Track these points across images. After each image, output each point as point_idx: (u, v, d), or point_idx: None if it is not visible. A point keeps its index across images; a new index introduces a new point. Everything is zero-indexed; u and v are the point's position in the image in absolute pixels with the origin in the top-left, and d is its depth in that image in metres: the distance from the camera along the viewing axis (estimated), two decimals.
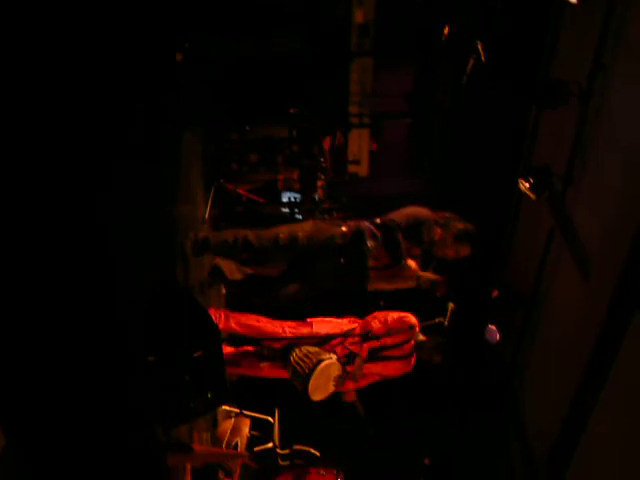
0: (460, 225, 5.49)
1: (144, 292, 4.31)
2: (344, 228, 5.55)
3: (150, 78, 5.04)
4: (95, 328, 3.48)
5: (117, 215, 4.05)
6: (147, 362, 3.89)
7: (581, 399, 5.40)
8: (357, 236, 5.48)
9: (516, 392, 7.29)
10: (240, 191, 7.31)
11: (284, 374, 5.45)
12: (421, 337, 5.55)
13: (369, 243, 5.46)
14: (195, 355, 4.04)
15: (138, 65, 4.74)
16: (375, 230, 5.49)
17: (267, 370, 5.73)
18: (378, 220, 5.55)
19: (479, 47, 6.32)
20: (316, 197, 7.72)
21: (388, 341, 5.58)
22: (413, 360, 5.68)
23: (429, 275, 5.60)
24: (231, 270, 6.05)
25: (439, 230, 5.49)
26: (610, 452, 4.99)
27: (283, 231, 5.52)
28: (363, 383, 5.65)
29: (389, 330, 5.56)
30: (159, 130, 5.15)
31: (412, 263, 5.62)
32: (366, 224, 5.55)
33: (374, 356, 5.61)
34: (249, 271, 5.91)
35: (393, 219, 5.51)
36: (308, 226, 5.69)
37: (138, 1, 4.80)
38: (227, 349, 5.83)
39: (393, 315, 5.65)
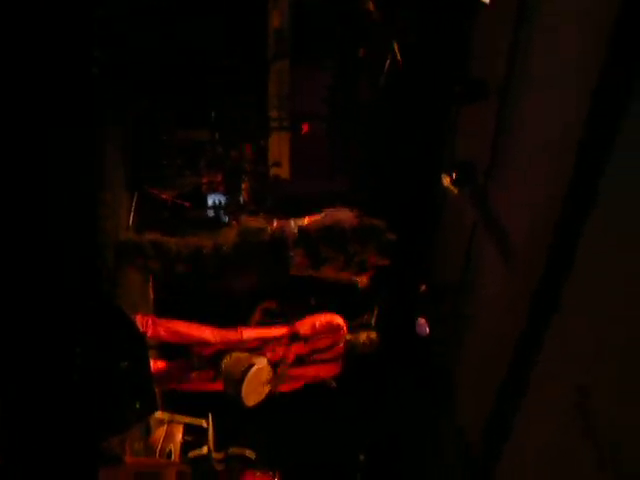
0: (382, 235, 5.43)
1: (64, 300, 4.02)
2: (270, 227, 5.48)
3: (67, 81, 4.78)
4: (12, 337, 3.23)
5: (34, 218, 3.82)
6: (71, 373, 3.63)
7: (506, 389, 5.37)
8: (280, 236, 5.42)
9: (450, 380, 7.26)
10: (164, 196, 7.06)
11: (215, 386, 5.32)
12: (350, 336, 5.52)
13: (290, 243, 5.40)
14: (121, 365, 3.77)
15: (54, 65, 4.49)
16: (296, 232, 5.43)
17: (198, 381, 5.55)
18: (304, 221, 5.49)
19: (395, 47, 6.26)
20: (241, 199, 7.55)
21: (318, 344, 5.51)
22: (343, 361, 5.61)
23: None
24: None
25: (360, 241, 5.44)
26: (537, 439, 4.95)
27: (207, 245, 5.39)
28: (297, 385, 5.56)
29: (318, 333, 5.49)
30: (77, 135, 4.89)
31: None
32: (290, 225, 5.48)
33: (306, 360, 5.52)
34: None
35: (316, 228, 5.42)
36: (232, 235, 5.58)
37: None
38: (157, 364, 5.69)
39: (321, 319, 5.56)
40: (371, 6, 6.55)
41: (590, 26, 4.21)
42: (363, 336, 5.55)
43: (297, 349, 5.48)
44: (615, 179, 4.00)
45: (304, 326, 5.55)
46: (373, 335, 5.55)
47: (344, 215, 5.53)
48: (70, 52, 5.05)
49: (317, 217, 5.60)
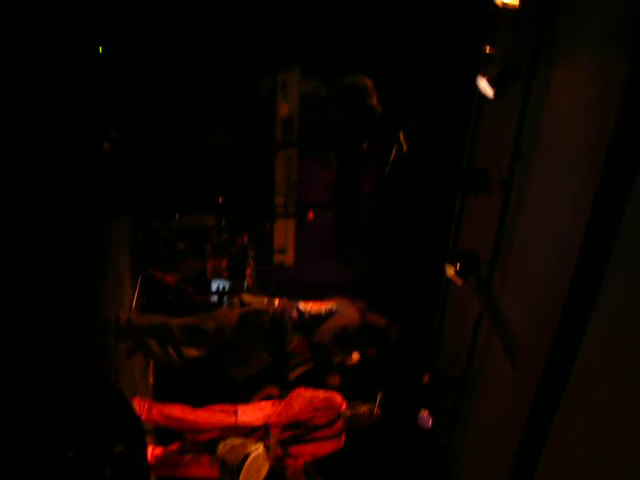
0: (384, 333, 5.64)
1: (64, 379, 3.96)
2: (271, 308, 5.58)
3: (77, 165, 4.86)
4: (9, 417, 3.14)
5: (39, 298, 3.79)
6: (65, 456, 3.52)
7: None
8: (279, 319, 5.51)
9: (453, 476, 7.03)
10: (168, 279, 7.06)
11: (211, 472, 5.23)
12: (350, 412, 5.53)
13: (289, 328, 5.49)
14: (116, 449, 3.66)
15: (66, 153, 4.57)
16: (297, 318, 5.53)
17: (193, 468, 5.43)
18: (306, 306, 5.59)
19: (401, 137, 6.37)
20: (245, 285, 7.52)
21: (316, 421, 5.49)
22: (344, 437, 5.58)
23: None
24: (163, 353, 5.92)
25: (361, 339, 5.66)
26: None
27: (210, 325, 5.48)
28: (297, 463, 5.45)
29: (315, 410, 5.48)
30: (86, 217, 4.94)
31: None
32: (291, 307, 5.59)
33: (304, 438, 5.49)
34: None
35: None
36: (234, 316, 5.56)
37: (67, 87, 4.66)
38: (154, 450, 5.59)
39: (319, 395, 5.56)
40: (376, 102, 6.71)
41: (592, 142, 4.29)
42: (363, 411, 5.57)
43: (293, 428, 5.47)
44: (618, 278, 3.99)
45: (300, 400, 5.55)
46: (373, 410, 5.56)
47: (346, 312, 5.58)
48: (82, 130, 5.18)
49: (319, 305, 5.62)
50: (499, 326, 5.79)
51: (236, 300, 5.89)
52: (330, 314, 5.57)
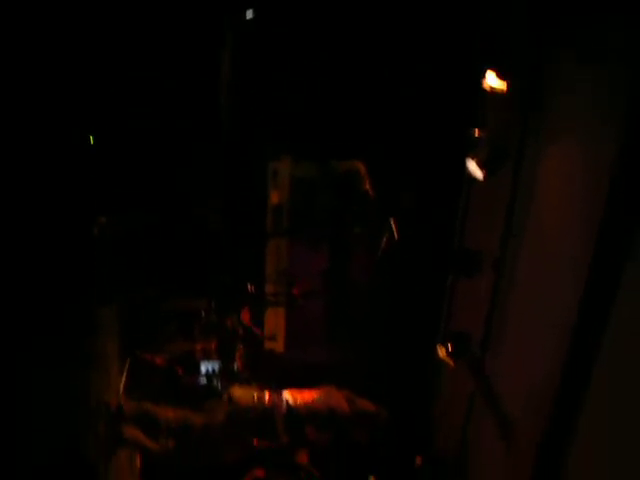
0: (372, 420, 5.73)
1: (47, 465, 3.83)
2: (260, 401, 5.63)
3: (65, 249, 4.85)
4: None
5: (25, 385, 3.73)
6: None
7: None
8: (270, 413, 5.56)
9: None
10: (157, 360, 6.95)
11: None
12: None
13: (279, 423, 5.51)
14: None
15: (54, 238, 4.57)
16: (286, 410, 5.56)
17: None
18: (296, 399, 5.65)
19: (392, 224, 6.43)
20: (234, 367, 7.41)
21: None
22: None
23: None
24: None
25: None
26: None
27: (196, 423, 5.50)
28: None
29: None
30: (72, 302, 4.89)
31: None
32: (281, 401, 5.63)
33: None
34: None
35: (306, 411, 5.61)
36: (222, 413, 5.54)
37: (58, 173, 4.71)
38: None
39: None
40: (369, 187, 6.81)
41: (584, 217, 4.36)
42: None
43: None
44: (612, 358, 3.99)
45: None
46: None
47: (334, 399, 5.57)
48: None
49: (307, 395, 5.63)
50: (492, 407, 5.69)
51: (225, 396, 5.84)
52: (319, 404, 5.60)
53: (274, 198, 8.22)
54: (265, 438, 5.65)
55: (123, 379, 6.47)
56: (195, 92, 6.89)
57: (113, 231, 6.17)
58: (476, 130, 5.42)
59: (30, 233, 4.20)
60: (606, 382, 4.02)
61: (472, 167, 5.36)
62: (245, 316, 7.87)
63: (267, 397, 5.65)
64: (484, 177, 5.33)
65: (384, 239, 6.51)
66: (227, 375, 7.28)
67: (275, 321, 8.31)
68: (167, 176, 7.17)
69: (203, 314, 7.60)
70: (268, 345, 8.16)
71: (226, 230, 7.81)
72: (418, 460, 6.59)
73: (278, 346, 8.27)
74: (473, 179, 5.63)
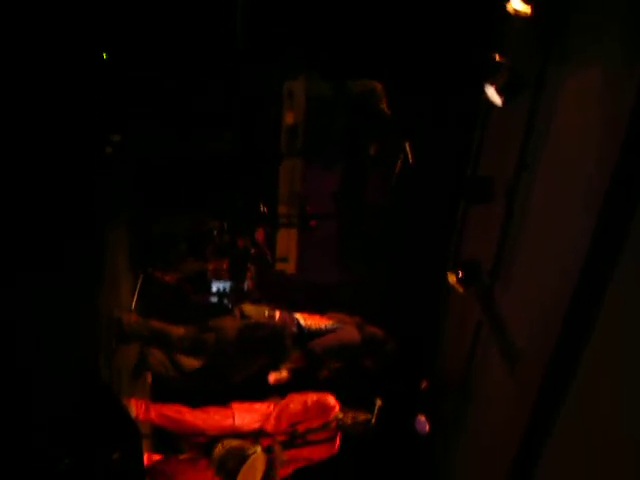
0: (383, 347, 5.74)
1: (61, 385, 3.87)
2: (271, 320, 5.61)
3: (76, 166, 4.77)
4: (4, 423, 3.04)
5: (34, 302, 3.71)
6: (61, 463, 3.42)
7: None
8: (279, 334, 5.53)
9: None
10: (169, 279, 6.98)
11: (208, 476, 5.11)
12: (342, 415, 5.50)
13: (288, 342, 5.50)
14: (113, 456, 3.57)
15: (66, 154, 4.49)
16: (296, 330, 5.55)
17: (191, 472, 5.36)
18: (306, 321, 5.64)
19: (407, 147, 6.28)
20: (245, 287, 7.45)
21: (310, 424, 5.46)
22: (338, 441, 5.54)
23: None
24: (162, 364, 5.91)
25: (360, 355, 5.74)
26: None
27: (210, 337, 5.50)
28: (290, 469, 5.45)
29: (309, 412, 5.47)
30: (82, 217, 4.85)
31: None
32: (292, 321, 5.61)
33: (298, 442, 5.43)
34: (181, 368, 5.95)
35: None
36: (233, 328, 5.56)
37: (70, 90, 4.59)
38: (151, 456, 5.57)
39: (312, 397, 5.55)
40: (385, 106, 6.61)
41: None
42: (360, 419, 5.54)
43: (288, 432, 5.44)
44: (622, 290, 3.90)
45: (294, 401, 5.54)
46: (370, 419, 5.54)
47: (346, 330, 5.62)
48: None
49: (319, 320, 5.64)
50: (498, 335, 5.70)
51: (237, 311, 5.83)
52: (330, 331, 5.58)
53: (289, 118, 8.06)
54: (274, 356, 5.69)
55: (135, 296, 6.51)
56: (211, 11, 6.65)
57: (127, 150, 6.07)
58: (496, 55, 5.17)
59: (43, 147, 4.12)
60: (615, 316, 3.94)
61: (490, 93, 5.16)
62: (260, 236, 7.83)
63: (278, 315, 5.65)
64: (502, 104, 5.13)
65: (399, 162, 6.37)
66: (238, 294, 7.32)
67: (287, 243, 8.31)
68: (183, 97, 7.02)
69: (216, 234, 7.58)
70: (280, 267, 8.18)
71: (240, 151, 7.70)
72: (424, 383, 6.70)
73: (290, 267, 8.30)
74: (491, 106, 5.44)
